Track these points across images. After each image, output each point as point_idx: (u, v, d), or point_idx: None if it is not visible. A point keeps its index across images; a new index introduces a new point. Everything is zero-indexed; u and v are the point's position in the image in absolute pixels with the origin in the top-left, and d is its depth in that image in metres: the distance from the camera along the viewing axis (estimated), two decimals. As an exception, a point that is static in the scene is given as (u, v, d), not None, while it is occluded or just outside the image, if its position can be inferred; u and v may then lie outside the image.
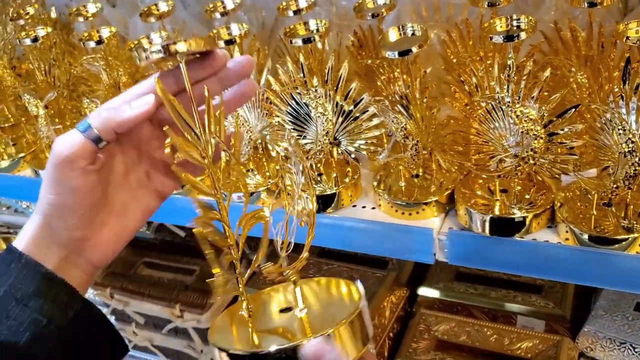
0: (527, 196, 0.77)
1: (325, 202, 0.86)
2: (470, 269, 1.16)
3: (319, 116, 0.80)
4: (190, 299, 1.20)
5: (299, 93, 0.81)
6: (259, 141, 0.91)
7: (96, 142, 0.53)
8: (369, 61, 0.84)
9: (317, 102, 0.79)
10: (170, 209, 0.97)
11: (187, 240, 1.36)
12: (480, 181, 0.81)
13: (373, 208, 0.86)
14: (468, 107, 0.77)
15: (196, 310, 1.17)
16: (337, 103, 0.80)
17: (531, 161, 0.70)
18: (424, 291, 1.16)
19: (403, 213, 0.82)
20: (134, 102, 0.53)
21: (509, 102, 0.68)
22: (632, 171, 0.64)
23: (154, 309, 1.24)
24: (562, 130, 0.68)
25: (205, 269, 1.27)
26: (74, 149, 0.52)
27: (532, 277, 1.11)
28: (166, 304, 1.21)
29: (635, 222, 0.70)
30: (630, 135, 0.63)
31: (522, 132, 0.68)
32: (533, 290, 1.10)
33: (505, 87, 0.69)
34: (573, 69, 0.75)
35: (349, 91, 0.79)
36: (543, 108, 0.67)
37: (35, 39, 1.03)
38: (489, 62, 0.74)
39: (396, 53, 0.69)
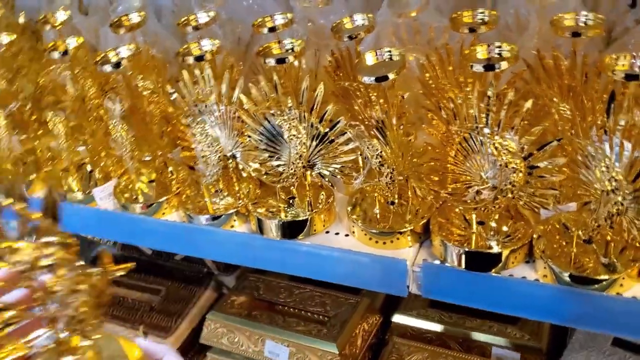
0: (504, 229, 0.74)
1: (297, 228, 0.82)
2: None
3: (292, 138, 0.77)
4: (155, 320, 1.15)
5: (272, 114, 0.78)
6: (230, 161, 0.87)
7: None
8: (346, 83, 0.81)
9: (290, 124, 0.76)
10: (137, 230, 0.94)
11: (154, 258, 1.31)
12: (457, 211, 0.78)
13: (347, 235, 0.83)
14: (445, 135, 0.74)
15: (161, 333, 1.12)
16: (312, 125, 0.77)
17: (509, 194, 0.67)
18: (398, 318, 1.13)
19: (377, 242, 0.79)
20: None
21: (487, 132, 0.65)
22: (615, 210, 0.62)
23: (117, 329, 1.18)
24: (543, 163, 0.65)
25: (171, 289, 1.22)
26: None
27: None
28: (130, 325, 1.16)
29: (616, 261, 0.67)
30: (614, 173, 0.60)
31: (500, 164, 0.65)
32: (509, 321, 1.07)
33: (484, 116, 0.66)
34: (555, 99, 0.72)
35: (324, 113, 0.76)
36: (523, 140, 0.65)
37: (-3, 45, 0.98)
38: (468, 89, 0.71)
39: (373, 79, 0.66)
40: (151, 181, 0.95)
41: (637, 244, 0.67)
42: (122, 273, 0.58)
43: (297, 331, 1.05)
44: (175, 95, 0.85)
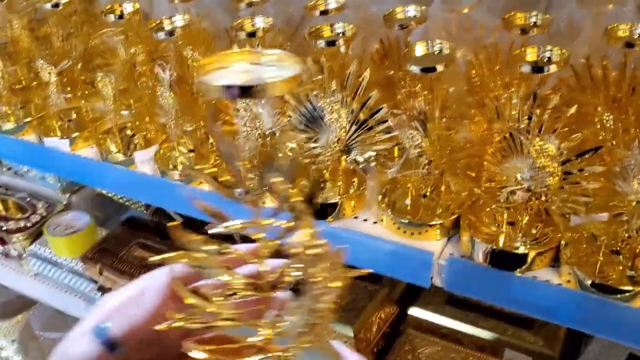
0: (533, 231, 0.74)
1: (326, 210, 0.84)
2: (463, 295, 1.14)
3: (332, 122, 0.78)
4: (178, 286, 1.18)
5: (316, 95, 0.79)
6: (268, 139, 0.89)
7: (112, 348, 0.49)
8: (392, 72, 0.82)
9: (332, 107, 0.77)
10: (170, 196, 0.96)
11: (184, 225, 1.34)
12: (488, 209, 0.79)
13: (375, 222, 0.84)
14: (486, 133, 0.74)
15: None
16: (353, 110, 0.78)
17: (543, 197, 0.67)
18: (414, 311, 1.14)
19: (405, 232, 0.80)
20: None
21: (528, 134, 0.66)
22: (647, 222, 0.62)
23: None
24: (580, 170, 0.65)
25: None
26: None
27: (526, 313, 1.09)
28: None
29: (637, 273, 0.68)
30: (649, 185, 0.61)
31: (538, 166, 0.66)
32: (524, 325, 1.08)
33: (527, 118, 0.66)
34: (599, 108, 0.72)
35: (367, 99, 0.77)
36: (563, 145, 0.65)
37: (56, 5, 1.01)
38: (512, 89, 0.72)
39: (420, 69, 0.67)
40: (191, 150, 0.98)
41: (665, 260, 0.68)
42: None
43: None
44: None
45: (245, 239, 0.51)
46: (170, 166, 0.97)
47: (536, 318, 1.09)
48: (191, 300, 0.48)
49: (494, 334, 1.07)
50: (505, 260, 0.72)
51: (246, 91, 0.40)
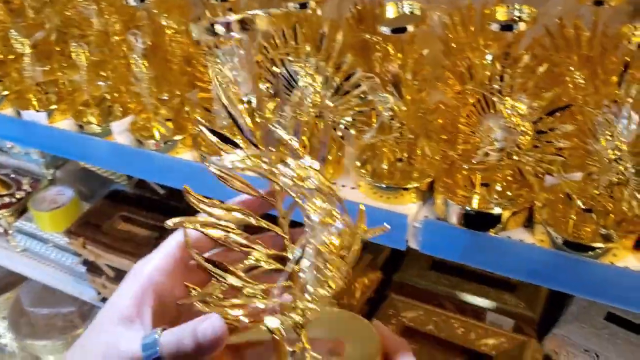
0: (508, 193, 0.75)
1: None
2: (447, 260, 1.15)
3: (306, 86, 0.78)
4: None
5: (290, 60, 0.79)
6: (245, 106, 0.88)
7: None
8: (367, 35, 0.81)
9: (306, 71, 0.77)
10: (152, 166, 0.96)
11: (166, 198, 1.34)
12: (464, 172, 0.79)
13: (353, 188, 0.84)
14: (459, 95, 0.74)
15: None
16: (327, 74, 0.78)
17: (515, 157, 0.68)
18: (398, 277, 1.15)
19: (381, 196, 0.80)
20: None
21: (500, 93, 0.66)
22: (616, 179, 0.63)
23: (125, 263, 1.22)
24: (552, 129, 0.66)
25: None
26: None
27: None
28: (137, 259, 1.18)
29: (613, 231, 0.68)
30: (618, 142, 0.61)
31: (509, 126, 0.66)
32: (506, 288, 1.09)
33: (499, 77, 0.66)
34: (572, 68, 0.72)
35: (341, 63, 0.77)
36: (534, 104, 0.65)
37: (28, -25, 1.00)
38: (485, 50, 0.72)
39: (390, 30, 0.67)
40: (168, 120, 0.97)
41: (636, 217, 0.68)
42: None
43: (298, 279, 1.07)
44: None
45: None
46: (149, 134, 0.96)
47: (517, 281, 1.10)
48: (207, 265, 0.47)
49: (476, 297, 1.09)
50: (479, 221, 0.72)
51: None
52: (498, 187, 0.75)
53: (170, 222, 0.47)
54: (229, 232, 0.49)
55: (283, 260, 0.50)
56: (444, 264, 1.16)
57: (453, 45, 0.78)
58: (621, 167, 0.61)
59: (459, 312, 1.08)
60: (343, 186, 0.85)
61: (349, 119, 0.80)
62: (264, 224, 0.50)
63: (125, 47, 0.97)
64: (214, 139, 0.49)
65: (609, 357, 0.95)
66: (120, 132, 0.99)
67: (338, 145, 0.87)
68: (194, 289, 0.48)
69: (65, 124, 1.08)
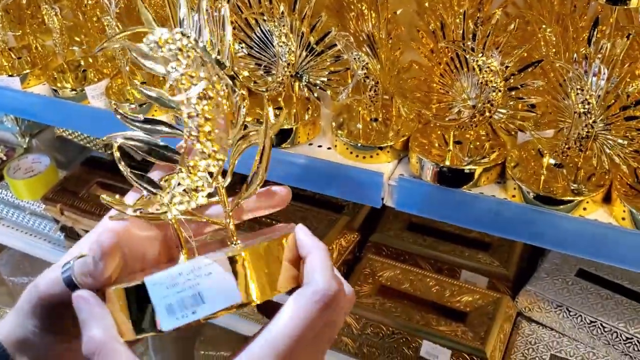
0: (480, 149, 0.76)
1: (281, 137, 0.85)
2: (423, 221, 1.17)
3: (281, 46, 0.78)
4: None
5: (264, 19, 0.78)
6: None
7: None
8: (341, -5, 0.81)
9: (281, 30, 0.77)
10: (124, 129, 0.95)
11: (144, 164, 1.34)
12: (438, 132, 0.80)
13: (329, 148, 0.85)
14: (433, 54, 0.75)
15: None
16: (302, 34, 0.78)
17: (487, 113, 0.69)
18: (375, 237, 1.17)
19: (357, 156, 0.81)
20: None
21: (472, 50, 0.67)
22: (584, 133, 0.64)
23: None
24: (523, 85, 0.67)
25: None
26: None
27: (481, 235, 1.12)
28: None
29: (583, 186, 0.70)
30: (588, 96, 0.62)
31: (482, 83, 0.67)
32: (481, 247, 1.12)
33: (471, 36, 0.67)
34: (544, 26, 0.73)
35: (316, 23, 0.77)
36: (506, 61, 0.66)
37: None
38: (458, 8, 0.72)
39: (363, -14, 0.67)
40: (143, 83, 0.97)
41: (605, 171, 0.70)
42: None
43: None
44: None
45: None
46: (125, 98, 0.96)
47: (491, 240, 1.13)
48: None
49: (451, 256, 1.11)
50: (452, 178, 0.74)
51: None
52: (471, 145, 0.76)
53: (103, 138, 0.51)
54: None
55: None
56: (420, 224, 1.18)
57: (426, 4, 0.78)
58: (590, 121, 0.63)
59: (435, 271, 1.11)
60: (319, 146, 0.86)
61: (324, 79, 0.81)
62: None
63: (99, 10, 0.95)
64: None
65: (580, 311, 0.99)
66: (95, 96, 0.98)
67: (314, 105, 0.88)
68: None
69: (39, 88, 1.07)
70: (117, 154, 0.50)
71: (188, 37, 0.46)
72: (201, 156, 0.48)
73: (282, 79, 0.81)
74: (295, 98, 0.87)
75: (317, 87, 0.82)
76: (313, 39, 0.78)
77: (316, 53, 0.79)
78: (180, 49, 0.46)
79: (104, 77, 1.02)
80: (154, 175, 0.54)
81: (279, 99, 0.87)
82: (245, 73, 0.85)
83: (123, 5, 0.91)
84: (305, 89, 0.83)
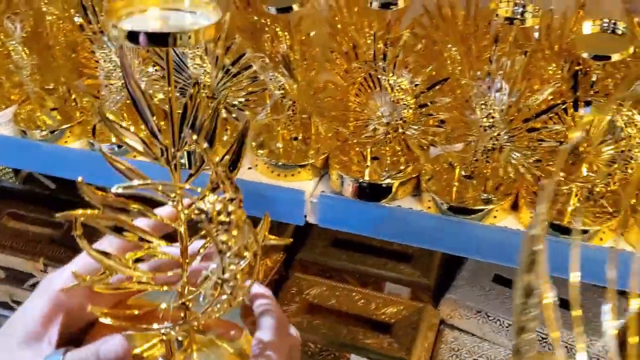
0: (396, 164, 0.79)
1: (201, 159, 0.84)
2: (348, 236, 1.18)
3: (196, 67, 0.78)
4: (56, 253, 1.14)
5: (179, 43, 0.78)
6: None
7: None
8: (255, 17, 0.83)
9: (195, 52, 0.77)
10: (40, 157, 0.92)
11: (57, 192, 1.29)
12: (357, 149, 0.82)
13: (249, 168, 0.85)
14: (347, 74, 0.77)
15: (61, 265, 1.10)
16: (217, 56, 0.78)
17: (400, 129, 0.72)
18: (301, 255, 1.18)
19: (279, 175, 0.82)
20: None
21: (383, 71, 0.70)
22: (490, 145, 0.68)
23: (15, 261, 1.16)
24: (432, 102, 0.70)
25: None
26: None
27: (403, 247, 1.15)
28: (29, 257, 1.14)
29: (492, 195, 0.74)
30: (491, 111, 0.66)
31: (394, 101, 0.70)
32: (402, 259, 1.15)
33: (382, 56, 0.70)
34: (449, 45, 0.77)
35: (230, 45, 0.77)
36: (415, 79, 0.69)
37: None
38: (369, 30, 0.75)
39: (275, 9, 0.68)
40: (53, 109, 0.94)
41: (512, 181, 0.75)
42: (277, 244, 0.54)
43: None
44: (80, 21, 0.83)
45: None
46: (35, 125, 0.92)
47: (413, 252, 1.16)
48: (92, 253, 0.46)
49: (375, 269, 1.13)
50: (371, 193, 0.76)
51: (161, 39, 0.38)
52: (388, 160, 0.79)
53: (59, 215, 0.44)
54: (124, 225, 0.48)
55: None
56: (344, 240, 1.19)
57: (338, 26, 0.81)
58: (495, 134, 0.67)
59: (360, 285, 1.12)
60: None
61: (242, 99, 0.81)
62: (158, 218, 0.50)
63: (3, 34, 0.92)
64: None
65: (498, 315, 1.03)
66: (3, 123, 0.94)
67: (232, 126, 0.88)
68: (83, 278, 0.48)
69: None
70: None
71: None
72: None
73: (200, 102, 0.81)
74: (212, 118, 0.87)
75: (235, 108, 0.82)
76: (228, 60, 0.79)
77: (232, 74, 0.79)
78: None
79: (11, 104, 0.97)
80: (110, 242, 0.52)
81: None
82: (161, 95, 0.84)
83: (29, 29, 0.88)
84: (223, 110, 0.83)
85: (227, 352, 0.56)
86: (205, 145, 0.46)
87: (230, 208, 0.42)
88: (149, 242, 0.50)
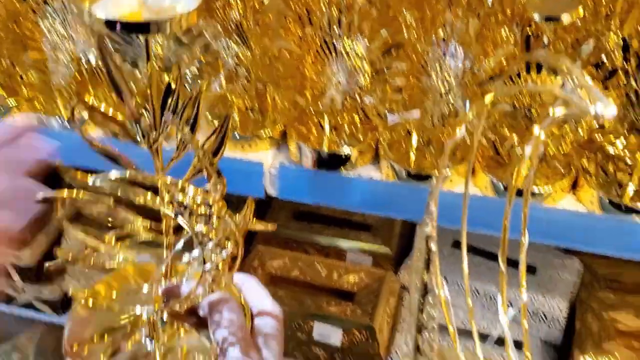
0: (355, 134, 0.79)
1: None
2: (309, 208, 1.19)
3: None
4: (9, 234, 1.11)
5: (128, 12, 0.75)
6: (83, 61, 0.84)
7: None
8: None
9: (145, 22, 0.74)
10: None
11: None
12: (314, 118, 0.82)
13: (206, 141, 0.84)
14: (303, 42, 0.76)
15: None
16: (168, 26, 0.76)
17: (357, 97, 0.71)
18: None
19: (236, 146, 0.81)
20: None
21: (339, 37, 0.69)
22: (446, 110, 0.68)
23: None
24: (388, 68, 0.70)
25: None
26: None
27: (363, 217, 1.16)
28: None
29: (449, 161, 0.75)
30: (447, 75, 0.66)
31: (350, 68, 0.69)
32: (363, 228, 1.15)
33: (337, 22, 0.69)
34: (404, 10, 0.76)
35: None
36: (370, 45, 0.69)
37: None
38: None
39: (227, -25, 0.66)
40: (-2, 85, 0.90)
41: (467, 146, 0.75)
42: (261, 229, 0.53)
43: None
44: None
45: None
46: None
47: (373, 221, 1.17)
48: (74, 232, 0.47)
49: (337, 239, 1.14)
50: (330, 162, 0.76)
51: (140, 28, 0.38)
52: (346, 129, 0.78)
53: (41, 195, 0.44)
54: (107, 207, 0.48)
55: (160, 232, 0.51)
56: (306, 212, 1.19)
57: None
58: (450, 99, 0.67)
59: (322, 256, 1.13)
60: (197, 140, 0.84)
61: (195, 70, 0.79)
62: (143, 199, 0.49)
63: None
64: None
65: (457, 280, 1.05)
66: (-57, 101, 0.90)
67: (185, 98, 0.86)
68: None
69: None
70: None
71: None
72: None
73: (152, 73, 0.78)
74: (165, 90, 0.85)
75: (188, 78, 0.80)
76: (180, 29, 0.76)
77: (185, 44, 0.77)
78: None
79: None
80: None
81: (148, 91, 0.84)
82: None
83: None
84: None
85: None
86: (187, 130, 0.46)
87: (210, 200, 0.43)
88: (131, 222, 0.50)
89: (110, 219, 0.50)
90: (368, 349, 0.98)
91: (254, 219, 0.51)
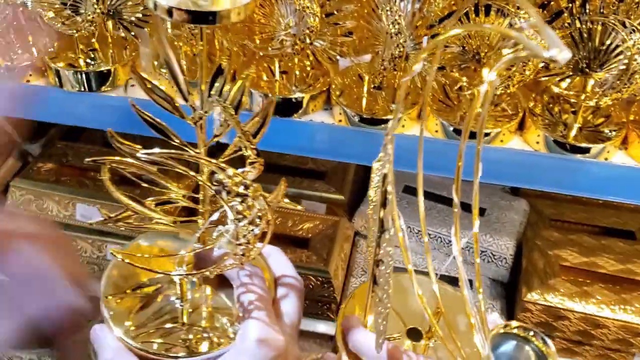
0: (306, 79, 0.78)
1: (100, 79, 0.79)
2: (261, 157, 1.18)
3: (88, -19, 0.72)
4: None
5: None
6: (21, 9, 0.79)
7: None
8: None
9: (83, -37, 0.71)
10: None
11: None
12: (264, 63, 0.80)
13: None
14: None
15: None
16: (108, -33, 0.72)
17: (307, 40, 0.70)
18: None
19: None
20: None
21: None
22: (397, 52, 0.68)
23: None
24: (338, 10, 0.69)
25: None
26: None
27: (316, 164, 1.16)
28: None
29: (402, 105, 0.75)
30: (397, 17, 0.66)
31: (298, 9, 0.68)
32: (317, 176, 1.16)
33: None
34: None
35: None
36: (321, -13, 0.67)
37: None
38: None
39: None
40: None
41: (418, 90, 0.76)
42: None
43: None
44: None
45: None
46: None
47: (327, 169, 1.18)
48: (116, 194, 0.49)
49: (291, 188, 1.14)
50: (282, 108, 0.75)
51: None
52: (297, 74, 0.77)
53: (89, 159, 0.46)
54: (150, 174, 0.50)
55: (196, 200, 0.52)
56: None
57: None
58: (401, 41, 0.67)
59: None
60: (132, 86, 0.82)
61: (139, 15, 0.76)
62: (182, 170, 0.49)
63: None
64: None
65: (409, 223, 1.07)
66: None
67: (132, 45, 0.83)
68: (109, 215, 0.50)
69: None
70: None
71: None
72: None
73: (93, 18, 0.75)
74: (110, 38, 0.82)
75: (133, 25, 0.77)
76: (122, -29, 0.73)
77: (127, -12, 0.74)
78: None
79: None
80: None
81: (93, 40, 0.81)
82: (51, 14, 0.77)
83: None
84: (121, 28, 0.78)
85: None
86: (232, 111, 0.48)
87: (247, 181, 0.46)
88: (170, 190, 0.52)
89: (151, 185, 0.52)
90: (324, 294, 1.00)
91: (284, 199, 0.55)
